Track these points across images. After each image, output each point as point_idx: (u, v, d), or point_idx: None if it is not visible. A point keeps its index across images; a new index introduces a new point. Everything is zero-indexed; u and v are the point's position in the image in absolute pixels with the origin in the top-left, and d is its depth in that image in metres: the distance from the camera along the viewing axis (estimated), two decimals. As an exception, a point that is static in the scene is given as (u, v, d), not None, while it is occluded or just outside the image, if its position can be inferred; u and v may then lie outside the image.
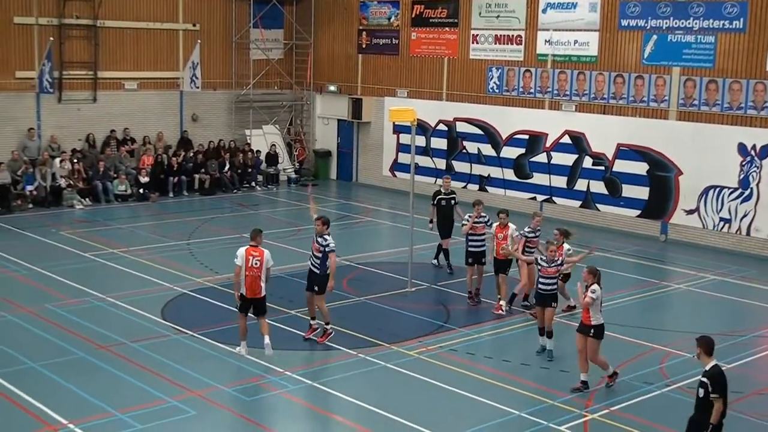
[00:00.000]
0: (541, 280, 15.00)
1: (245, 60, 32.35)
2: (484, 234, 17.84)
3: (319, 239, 14.93)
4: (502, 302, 17.08)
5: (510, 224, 17.01)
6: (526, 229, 17.00)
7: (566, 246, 16.02)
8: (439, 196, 20.15)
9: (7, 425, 11.79)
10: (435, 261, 20.50)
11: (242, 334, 14.49)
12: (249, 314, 14.39)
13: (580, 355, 13.45)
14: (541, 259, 15.05)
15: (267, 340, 14.19)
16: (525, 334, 16.17)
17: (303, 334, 15.48)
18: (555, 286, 15.00)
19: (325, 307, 15.21)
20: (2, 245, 21.54)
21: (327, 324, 15.24)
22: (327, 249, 14.86)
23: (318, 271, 14.96)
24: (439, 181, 29.33)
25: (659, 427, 12.34)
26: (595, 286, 13.12)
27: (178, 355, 14.49)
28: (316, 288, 15.05)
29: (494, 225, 17.25)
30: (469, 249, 17.71)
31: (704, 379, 10.09)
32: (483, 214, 17.76)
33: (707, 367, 10.16)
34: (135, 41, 29.88)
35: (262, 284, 14.24)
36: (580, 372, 13.49)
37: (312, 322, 15.45)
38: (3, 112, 27.47)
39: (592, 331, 13.26)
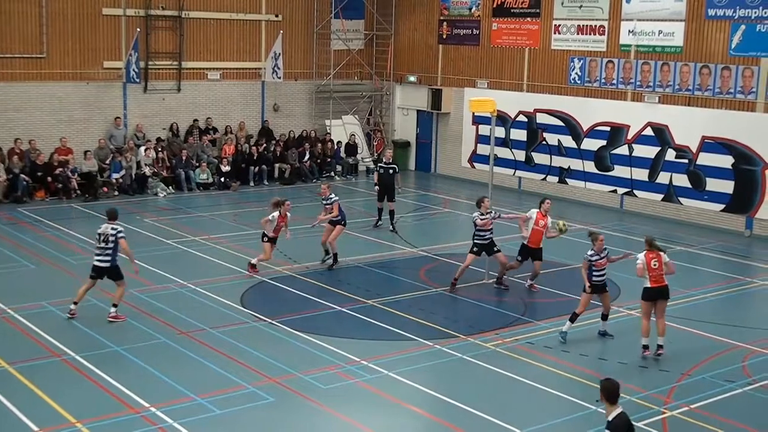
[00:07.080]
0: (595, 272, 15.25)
1: (326, 50, 32.57)
2: (491, 228, 17.93)
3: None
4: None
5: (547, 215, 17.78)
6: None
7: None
8: (380, 164, 22.98)
9: (91, 407, 12.10)
10: (391, 227, 22.82)
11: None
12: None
13: None
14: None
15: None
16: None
17: (381, 324, 15.69)
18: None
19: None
20: (89, 231, 21.99)
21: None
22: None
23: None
24: (518, 173, 29.33)
25: (740, 425, 12.10)
26: None
27: (256, 342, 14.71)
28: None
29: (534, 211, 17.78)
30: (476, 241, 17.91)
31: None
32: (489, 209, 17.97)
33: (610, 417, 8.81)
34: (218, 32, 30.32)
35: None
36: None
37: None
38: (91, 102, 28.19)
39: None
